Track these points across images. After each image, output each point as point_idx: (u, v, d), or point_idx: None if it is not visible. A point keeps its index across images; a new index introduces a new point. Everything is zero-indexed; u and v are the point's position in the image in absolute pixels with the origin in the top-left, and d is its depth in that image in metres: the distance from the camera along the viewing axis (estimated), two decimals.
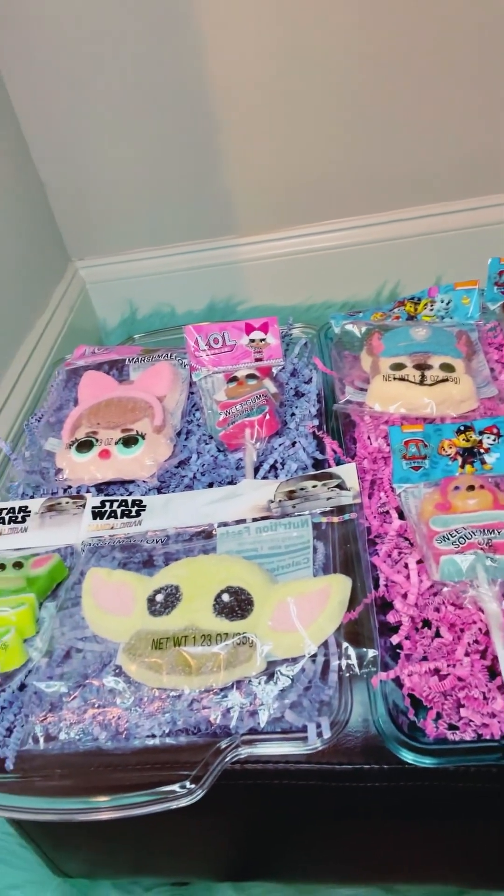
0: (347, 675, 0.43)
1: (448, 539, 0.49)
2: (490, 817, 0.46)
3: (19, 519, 0.59)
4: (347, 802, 0.48)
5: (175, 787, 0.42)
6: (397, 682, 0.45)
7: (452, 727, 0.42)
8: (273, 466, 0.62)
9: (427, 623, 0.48)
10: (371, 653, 0.44)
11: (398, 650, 0.47)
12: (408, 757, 0.40)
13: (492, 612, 0.45)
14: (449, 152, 1.12)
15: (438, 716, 0.42)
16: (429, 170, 1.15)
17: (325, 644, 0.45)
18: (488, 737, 0.41)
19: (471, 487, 0.52)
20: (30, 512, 0.60)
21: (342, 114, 1.08)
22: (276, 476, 0.61)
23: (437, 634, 0.47)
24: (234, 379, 0.68)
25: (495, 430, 0.57)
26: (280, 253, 1.28)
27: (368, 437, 0.62)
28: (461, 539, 0.48)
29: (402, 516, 0.55)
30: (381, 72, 1.03)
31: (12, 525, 0.59)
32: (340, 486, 0.56)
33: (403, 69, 1.03)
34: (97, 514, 0.58)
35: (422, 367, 0.64)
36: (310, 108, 1.07)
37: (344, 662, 0.44)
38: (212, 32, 1.00)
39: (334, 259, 1.28)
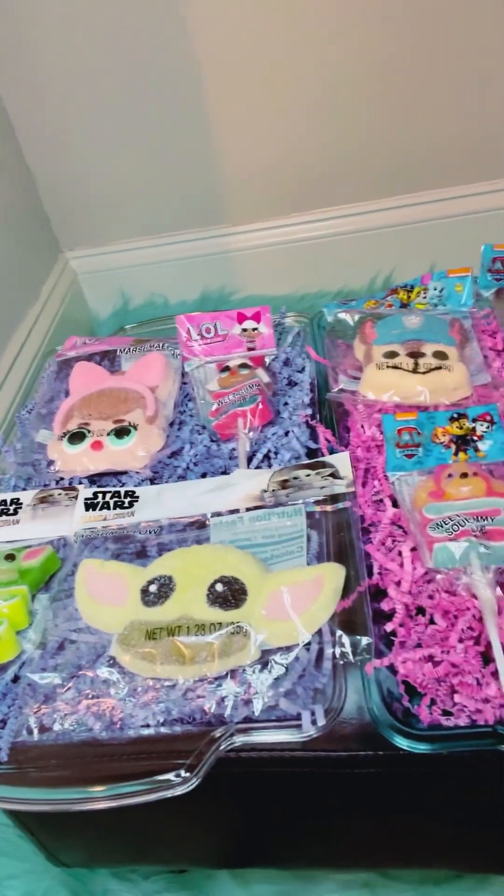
0: (341, 662, 0.43)
1: (441, 526, 0.49)
2: (484, 802, 0.47)
3: (11, 511, 0.59)
4: (343, 789, 0.48)
5: (170, 775, 0.42)
6: (392, 669, 0.45)
7: (447, 713, 0.43)
8: (266, 456, 0.61)
9: (421, 610, 0.48)
10: (365, 640, 0.44)
11: (392, 637, 0.47)
12: (402, 743, 0.40)
13: (485, 599, 0.45)
14: (442, 140, 1.11)
15: (433, 702, 0.43)
16: (422, 157, 1.14)
17: (320, 632, 0.45)
18: (482, 722, 0.41)
19: (464, 475, 0.52)
20: (22, 504, 0.60)
21: (334, 102, 1.07)
22: (270, 465, 0.61)
23: (432, 621, 0.47)
24: (226, 368, 0.68)
25: (488, 418, 0.57)
26: (273, 242, 1.27)
27: (362, 426, 0.62)
28: (455, 526, 0.48)
29: (395, 504, 0.55)
30: (373, 59, 1.02)
31: (4, 517, 0.59)
32: (334, 475, 0.55)
33: (395, 58, 1.02)
34: (90, 505, 0.58)
35: (415, 354, 0.63)
36: (302, 96, 1.06)
37: (338, 650, 0.44)
38: (204, 18, 0.99)
39: (328, 248, 1.27)
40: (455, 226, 1.22)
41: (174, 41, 1.01)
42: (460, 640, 0.45)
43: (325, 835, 0.56)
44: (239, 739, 0.41)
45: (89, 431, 0.63)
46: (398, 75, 1.04)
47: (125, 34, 1.00)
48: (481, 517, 0.49)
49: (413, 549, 0.50)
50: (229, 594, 0.46)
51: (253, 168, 1.15)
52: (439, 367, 0.62)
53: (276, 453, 0.61)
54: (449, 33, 1.00)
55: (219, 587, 0.47)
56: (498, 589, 0.46)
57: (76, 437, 0.63)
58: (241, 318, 0.72)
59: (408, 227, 1.24)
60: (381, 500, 0.56)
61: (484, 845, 0.53)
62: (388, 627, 0.47)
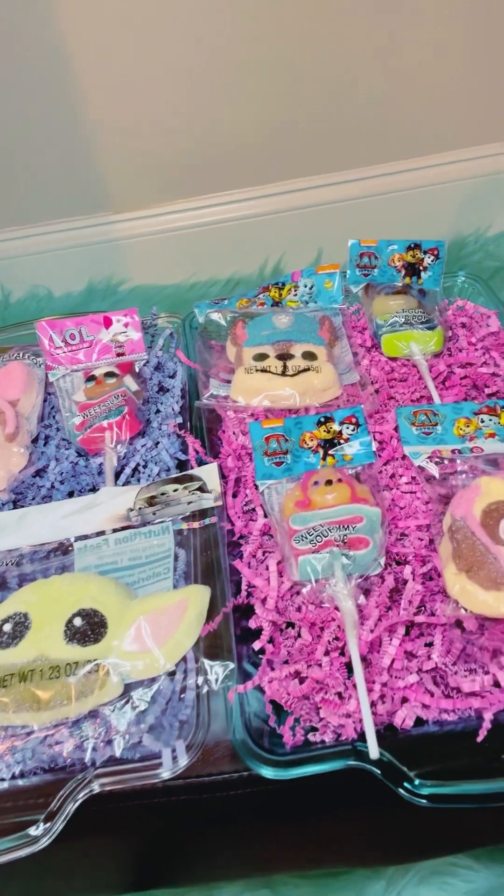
0: (205, 691, 0.42)
1: (306, 538, 0.48)
2: (352, 805, 0.47)
3: None
4: (222, 809, 0.48)
5: (29, 830, 0.39)
6: (260, 688, 0.44)
7: (313, 729, 0.43)
8: (135, 470, 0.59)
9: (292, 624, 0.48)
10: (228, 667, 0.43)
11: (262, 655, 0.46)
12: (266, 773, 0.40)
13: (347, 611, 0.45)
14: (326, 124, 1.11)
15: (297, 721, 0.42)
16: (306, 142, 1.13)
17: (185, 659, 0.44)
18: (345, 738, 0.41)
19: (329, 482, 0.52)
20: None
21: (217, 83, 1.04)
22: (140, 480, 0.58)
23: (301, 635, 0.47)
24: (91, 378, 0.65)
25: (354, 420, 0.57)
26: (160, 229, 1.24)
27: (234, 433, 0.60)
28: (318, 537, 0.48)
29: (267, 514, 0.54)
30: (254, 44, 1.00)
31: None
32: (202, 489, 0.54)
33: (277, 44, 1.00)
34: None
35: (284, 356, 0.62)
36: (182, 79, 1.02)
37: (201, 679, 0.43)
38: None
39: (216, 234, 1.25)
40: (341, 211, 1.23)
41: (50, 17, 0.94)
42: (326, 653, 0.45)
43: (217, 850, 0.56)
44: (97, 784, 0.40)
45: None
46: (279, 61, 1.02)
47: None
48: (343, 526, 0.48)
49: (281, 562, 0.50)
50: (88, 629, 0.44)
51: (136, 153, 1.11)
52: (307, 369, 0.61)
53: (144, 466, 0.59)
54: (317, 30, 0.99)
55: (77, 621, 0.44)
56: (362, 596, 0.47)
57: None
58: (108, 322, 0.68)
59: (295, 212, 1.24)
60: (254, 510, 0.55)
61: (357, 842, 0.55)
62: (256, 646, 0.46)
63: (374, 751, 0.38)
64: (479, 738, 0.39)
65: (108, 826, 0.49)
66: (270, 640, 0.47)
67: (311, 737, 0.42)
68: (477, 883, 0.66)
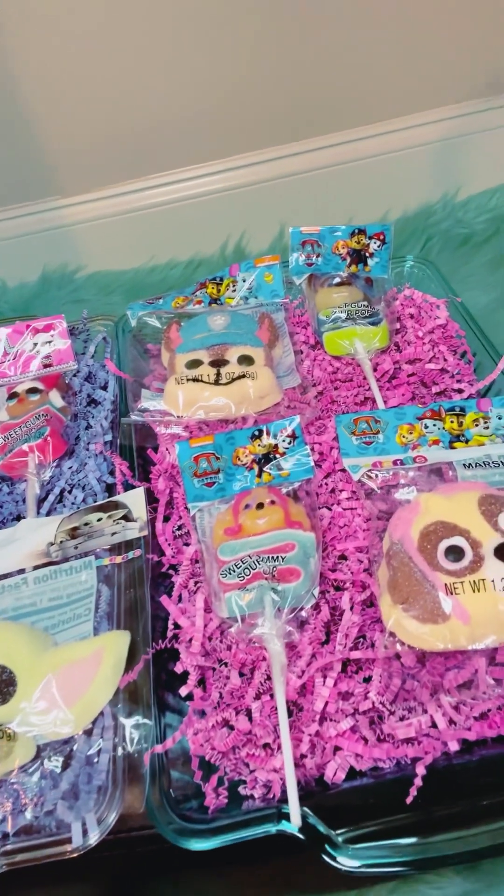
0: (122, 753, 0.39)
1: (233, 571, 0.45)
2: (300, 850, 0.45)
3: None
4: (153, 860, 0.45)
5: None
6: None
7: (241, 782, 0.40)
8: (61, 496, 0.55)
9: (224, 662, 0.45)
10: (146, 725, 0.39)
11: (189, 701, 0.43)
12: (186, 844, 0.37)
13: (274, 653, 0.41)
14: (282, 92, 1.05)
15: (220, 781, 0.39)
16: (262, 112, 1.07)
17: (102, 714, 0.41)
18: (273, 795, 0.38)
19: (260, 505, 0.48)
20: None
21: (166, 54, 0.97)
22: (66, 507, 0.54)
23: (230, 677, 0.44)
24: (14, 395, 0.60)
25: (289, 432, 0.53)
26: (114, 212, 1.18)
27: (165, 450, 0.56)
28: (246, 570, 0.45)
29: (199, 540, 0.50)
30: (206, 10, 0.93)
31: None
32: (126, 517, 0.50)
33: (227, 7, 0.93)
34: None
35: (218, 363, 0.58)
36: (130, 48, 0.95)
37: (118, 739, 0.39)
38: None
39: (174, 214, 1.19)
40: (303, 182, 1.18)
41: None
42: (257, 696, 0.42)
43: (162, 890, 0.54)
44: (3, 864, 0.37)
45: None
46: (229, 28, 0.95)
47: None
48: (273, 556, 0.45)
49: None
50: None
51: (83, 132, 1.05)
52: (243, 376, 0.57)
53: (70, 491, 0.55)
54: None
55: None
56: (295, 631, 0.43)
57: None
58: (33, 331, 0.63)
59: (254, 187, 1.18)
60: (188, 533, 0.52)
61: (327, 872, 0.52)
62: (183, 691, 0.43)
63: (295, 818, 0.35)
64: (409, 800, 0.36)
65: (34, 880, 0.46)
66: (200, 682, 0.44)
67: (241, 790, 0.39)
68: (448, 890, 0.64)
